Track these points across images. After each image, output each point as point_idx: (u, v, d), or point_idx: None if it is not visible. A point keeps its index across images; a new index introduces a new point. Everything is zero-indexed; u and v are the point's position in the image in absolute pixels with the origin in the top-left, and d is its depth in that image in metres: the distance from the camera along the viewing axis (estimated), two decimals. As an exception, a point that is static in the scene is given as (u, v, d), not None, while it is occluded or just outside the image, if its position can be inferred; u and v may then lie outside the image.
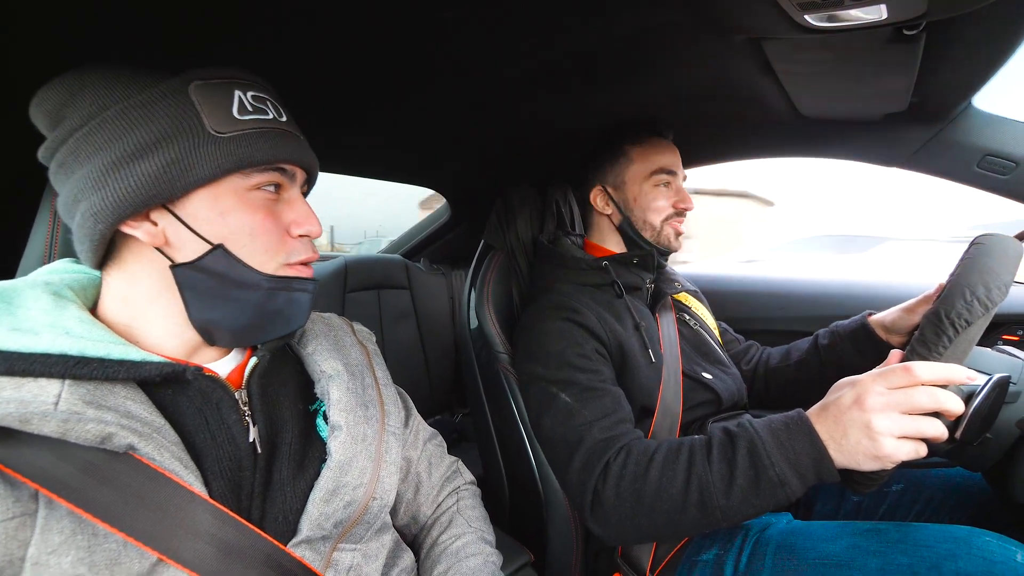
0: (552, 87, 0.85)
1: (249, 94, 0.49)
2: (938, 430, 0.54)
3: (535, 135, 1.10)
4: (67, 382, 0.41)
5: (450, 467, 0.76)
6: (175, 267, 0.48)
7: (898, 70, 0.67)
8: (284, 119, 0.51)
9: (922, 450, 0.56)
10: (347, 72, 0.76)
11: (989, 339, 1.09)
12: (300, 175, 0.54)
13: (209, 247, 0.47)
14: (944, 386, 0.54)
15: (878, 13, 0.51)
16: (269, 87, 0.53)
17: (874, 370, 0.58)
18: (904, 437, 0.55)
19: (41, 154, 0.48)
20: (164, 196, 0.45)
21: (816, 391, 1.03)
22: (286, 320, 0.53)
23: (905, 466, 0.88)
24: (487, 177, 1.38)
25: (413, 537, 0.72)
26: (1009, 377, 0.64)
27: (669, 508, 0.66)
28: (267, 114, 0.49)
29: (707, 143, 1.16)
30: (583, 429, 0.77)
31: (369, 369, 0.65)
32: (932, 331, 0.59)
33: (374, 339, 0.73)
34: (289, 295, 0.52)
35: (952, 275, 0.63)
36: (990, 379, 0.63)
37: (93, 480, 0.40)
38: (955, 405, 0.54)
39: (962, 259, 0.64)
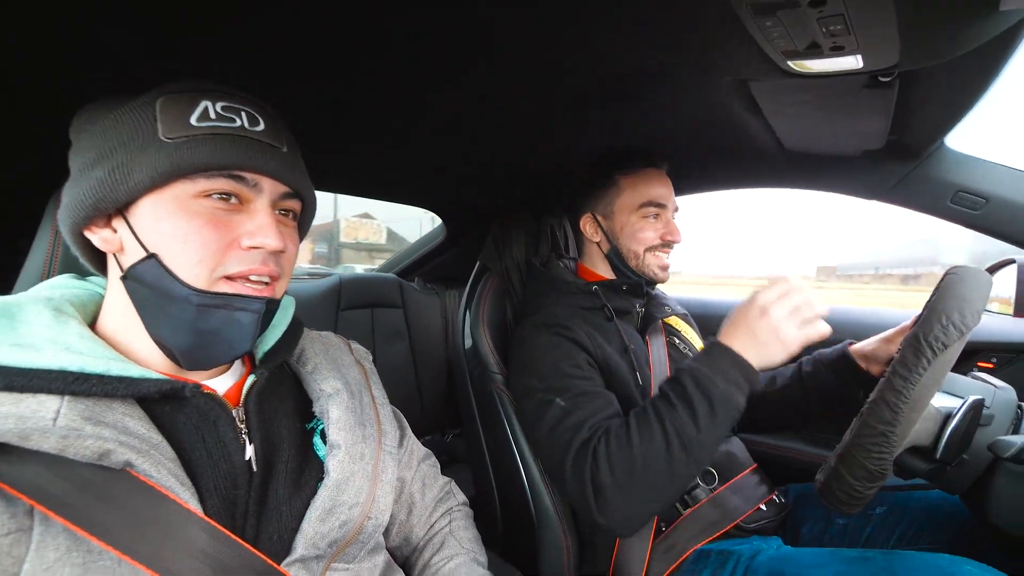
0: (548, 118, 0.89)
1: (220, 104, 0.48)
2: (824, 325, 0.73)
3: (530, 161, 1.13)
4: (66, 398, 0.41)
5: (443, 488, 0.76)
6: (122, 277, 0.49)
7: (875, 111, 0.72)
8: (260, 128, 0.49)
9: (824, 329, 0.73)
10: (347, 94, 0.77)
11: (965, 366, 1.13)
12: (271, 187, 0.50)
13: (144, 255, 0.47)
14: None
15: (855, 62, 0.55)
16: (256, 100, 0.51)
17: (763, 291, 0.75)
18: (801, 329, 0.72)
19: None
20: (109, 201, 0.46)
21: (800, 416, 1.07)
22: (227, 342, 0.49)
23: (887, 489, 0.91)
24: (483, 199, 1.40)
25: (405, 559, 0.71)
26: (983, 400, 0.67)
27: (659, 464, 0.72)
28: (233, 122, 0.48)
29: (697, 173, 1.21)
30: (573, 429, 0.79)
31: (367, 388, 0.65)
32: (912, 353, 0.62)
33: (371, 358, 0.73)
34: (227, 314, 0.48)
35: (929, 302, 0.66)
36: (965, 402, 0.66)
37: (90, 497, 0.40)
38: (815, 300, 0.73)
39: (938, 288, 0.67)
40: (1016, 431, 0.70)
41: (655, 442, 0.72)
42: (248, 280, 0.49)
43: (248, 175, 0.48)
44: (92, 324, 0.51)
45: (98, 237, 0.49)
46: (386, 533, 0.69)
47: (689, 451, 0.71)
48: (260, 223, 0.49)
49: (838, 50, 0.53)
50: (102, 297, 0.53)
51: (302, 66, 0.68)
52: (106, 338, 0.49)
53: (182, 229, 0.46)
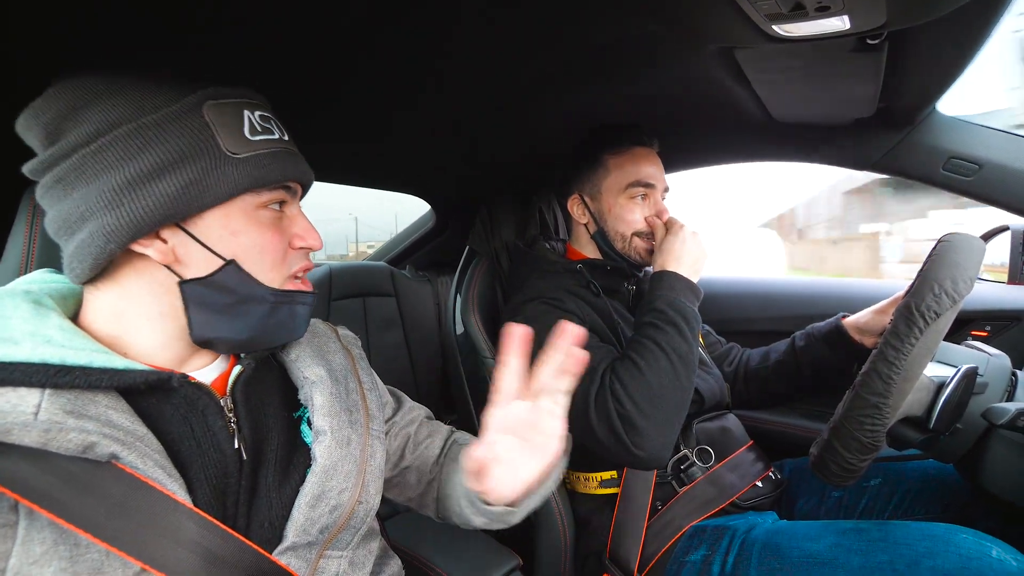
0: (532, 95, 0.87)
1: (257, 114, 0.50)
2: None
3: (517, 143, 1.12)
4: (47, 391, 0.41)
5: (449, 430, 0.77)
6: (184, 283, 0.48)
7: (864, 77, 0.70)
8: (287, 138, 0.53)
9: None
10: (333, 85, 0.76)
11: (959, 335, 1.12)
12: (299, 190, 0.56)
13: (222, 263, 0.48)
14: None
15: (841, 23, 0.53)
16: (269, 106, 0.54)
17: (671, 228, 0.92)
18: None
19: (32, 168, 0.47)
20: (181, 215, 0.46)
21: (795, 391, 1.07)
22: (288, 331, 0.55)
23: (881, 460, 0.91)
24: (471, 184, 1.39)
25: (422, 492, 0.71)
26: (976, 368, 0.67)
27: (670, 383, 0.79)
28: (274, 134, 0.51)
29: (686, 149, 1.19)
30: (586, 379, 0.80)
31: (353, 374, 0.65)
32: (904, 323, 0.61)
33: (359, 343, 0.72)
34: (291, 308, 0.54)
35: (921, 271, 0.65)
36: (958, 370, 0.65)
37: (75, 490, 0.39)
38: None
39: (929, 256, 0.66)
40: (1010, 398, 0.69)
41: (661, 364, 0.79)
42: (299, 277, 0.55)
43: (293, 184, 0.53)
44: (74, 317, 0.50)
45: (154, 249, 0.47)
46: (405, 486, 0.71)
47: (688, 365, 0.81)
48: (304, 226, 0.55)
49: (824, 10, 0.51)
50: (82, 289, 0.51)
51: (293, 60, 0.68)
52: (91, 332, 0.48)
53: (258, 240, 0.50)
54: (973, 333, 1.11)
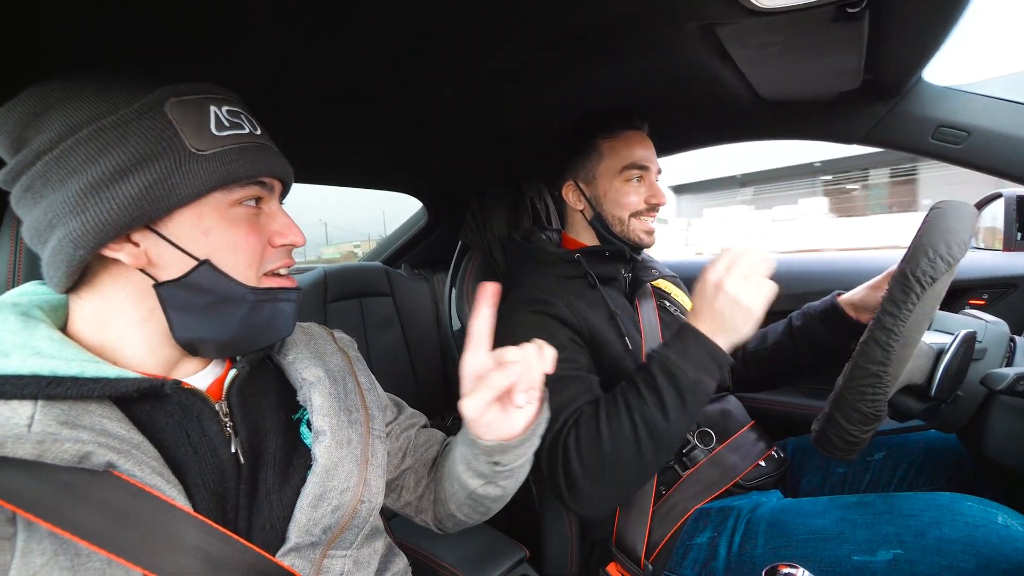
0: (518, 83, 0.86)
1: (224, 109, 0.49)
2: (771, 284, 0.70)
3: (506, 133, 1.11)
4: (40, 403, 0.41)
5: (444, 436, 0.77)
6: (159, 285, 0.47)
7: (846, 48, 0.69)
8: (259, 132, 0.51)
9: (771, 286, 0.70)
10: (314, 81, 0.75)
11: (956, 304, 1.12)
12: (278, 186, 0.54)
13: (195, 263, 0.47)
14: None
15: (819, -8, 0.52)
16: (240, 100, 0.52)
17: (711, 267, 0.71)
18: (757, 294, 0.69)
19: (3, 178, 0.46)
20: (148, 217, 0.45)
21: (794, 371, 1.06)
22: (275, 330, 0.54)
23: (883, 433, 0.91)
24: (462, 178, 1.38)
25: (420, 495, 0.71)
26: (975, 333, 0.66)
27: (628, 453, 0.71)
28: (243, 129, 0.49)
29: (676, 131, 1.18)
30: (552, 413, 0.77)
31: (351, 375, 0.65)
32: (900, 290, 0.61)
33: (355, 346, 0.72)
34: (275, 306, 0.52)
35: (914, 238, 0.65)
36: (957, 336, 0.65)
37: (73, 500, 0.39)
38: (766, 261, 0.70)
39: (923, 223, 0.66)
40: (1009, 363, 0.69)
41: (624, 434, 0.71)
42: (279, 274, 0.54)
43: (268, 180, 0.51)
44: (64, 328, 0.49)
45: (125, 254, 0.46)
46: (403, 489, 0.70)
47: (658, 442, 0.71)
48: (285, 222, 0.53)
49: (800, -21, 0.50)
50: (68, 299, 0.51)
51: (275, 62, 0.68)
52: (79, 342, 0.48)
53: (231, 238, 0.48)
54: (971, 302, 1.11)
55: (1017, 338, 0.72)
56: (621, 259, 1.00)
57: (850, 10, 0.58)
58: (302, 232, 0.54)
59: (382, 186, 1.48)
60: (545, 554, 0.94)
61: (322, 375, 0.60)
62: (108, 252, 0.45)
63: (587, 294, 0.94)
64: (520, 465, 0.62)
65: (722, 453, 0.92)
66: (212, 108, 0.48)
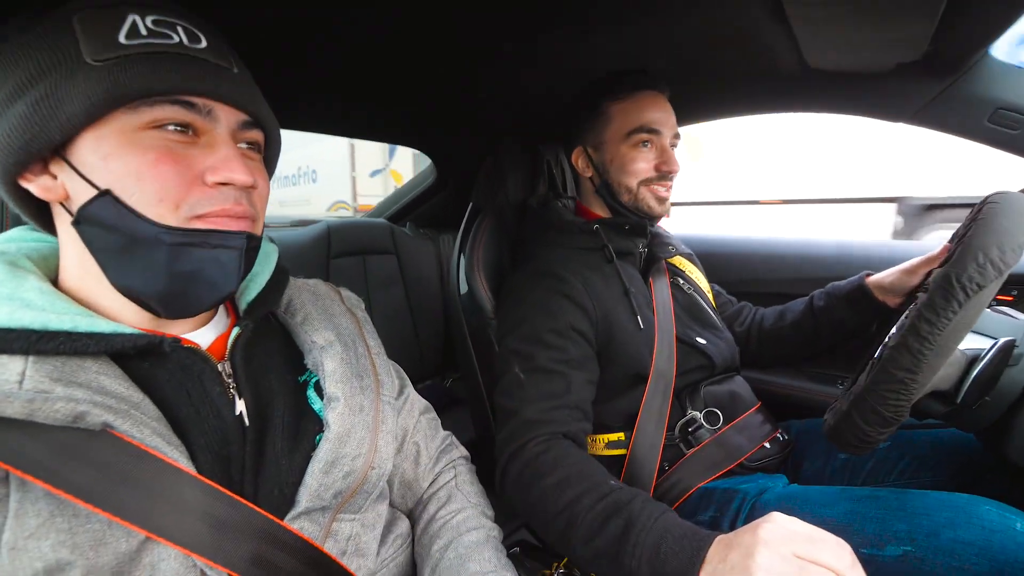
0: (541, 31, 0.79)
1: (150, 18, 0.42)
2: None
3: (524, 90, 1.04)
4: (31, 358, 0.39)
5: (444, 440, 0.76)
6: (75, 223, 0.43)
7: (922, 11, 0.62)
8: (202, 45, 0.43)
9: None
10: (324, 25, 0.69)
11: (982, 300, 1.09)
12: (226, 114, 0.45)
13: (95, 192, 0.41)
14: None
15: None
16: (193, 15, 0.45)
17: (800, 523, 0.49)
18: None
19: None
20: (42, 140, 0.40)
21: (810, 352, 1.05)
22: (209, 283, 0.45)
23: (899, 427, 0.90)
24: (474, 137, 1.31)
25: (408, 511, 0.71)
26: (1014, 341, 0.63)
27: (543, 518, 0.67)
28: (170, 39, 0.42)
29: (706, 97, 1.11)
30: (519, 405, 0.76)
31: (361, 338, 0.63)
32: (942, 296, 0.57)
33: (363, 305, 0.70)
34: (206, 252, 0.44)
35: (963, 237, 0.60)
36: (995, 344, 0.62)
37: (69, 460, 0.37)
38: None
39: (974, 219, 0.61)
40: None
41: (551, 506, 0.65)
42: (228, 216, 0.45)
43: (198, 100, 0.43)
44: (55, 280, 0.46)
45: (36, 186, 0.43)
46: (390, 487, 0.68)
47: (565, 545, 0.64)
48: (223, 155, 0.44)
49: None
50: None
51: (283, 8, 0.62)
52: (70, 294, 0.45)
53: (134, 166, 0.41)
54: (998, 298, 1.07)
55: None
56: (640, 233, 0.95)
57: (939, -33, 0.51)
58: (245, 169, 0.45)
59: (391, 140, 1.41)
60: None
61: (333, 339, 0.58)
62: (24, 183, 0.43)
63: (602, 268, 0.91)
64: None
65: (728, 433, 0.91)
66: (132, 16, 0.41)
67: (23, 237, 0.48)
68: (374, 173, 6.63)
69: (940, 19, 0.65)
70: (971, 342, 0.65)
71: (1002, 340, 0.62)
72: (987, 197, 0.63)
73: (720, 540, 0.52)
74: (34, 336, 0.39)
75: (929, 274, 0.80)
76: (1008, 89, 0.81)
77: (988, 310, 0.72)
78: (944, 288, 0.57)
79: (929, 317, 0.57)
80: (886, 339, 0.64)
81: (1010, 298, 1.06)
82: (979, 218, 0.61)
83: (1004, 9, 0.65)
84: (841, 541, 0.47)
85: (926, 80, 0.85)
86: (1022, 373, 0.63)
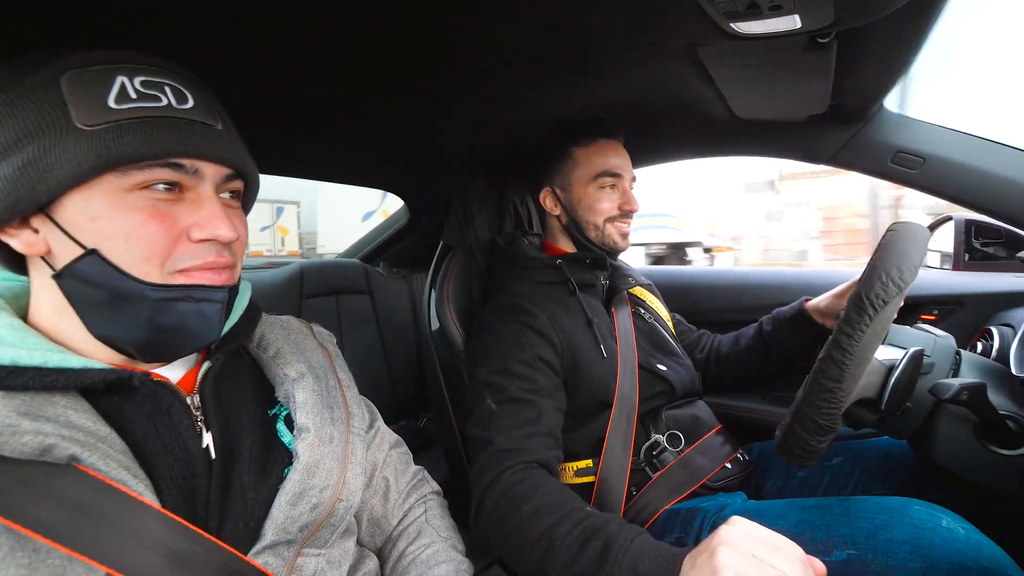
0: (501, 89, 0.87)
1: (138, 80, 0.43)
2: None
3: (489, 135, 1.12)
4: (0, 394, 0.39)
5: (415, 475, 0.75)
6: (55, 276, 0.44)
7: (815, 74, 0.73)
8: (189, 105, 0.45)
9: None
10: (294, 72, 0.75)
11: (910, 319, 1.19)
12: (212, 171, 0.47)
13: (81, 252, 0.42)
14: None
15: (793, 23, 0.56)
16: (179, 70, 0.46)
17: (759, 528, 0.52)
18: None
19: None
20: (27, 202, 0.41)
21: (763, 373, 1.11)
22: (193, 335, 0.47)
23: (841, 439, 0.96)
24: (444, 179, 1.38)
25: (377, 550, 0.70)
26: (923, 350, 0.71)
27: (520, 547, 0.67)
28: (159, 101, 0.43)
29: (652, 144, 1.22)
30: (493, 434, 0.78)
31: (332, 371, 0.64)
32: (855, 311, 0.64)
33: (334, 340, 0.72)
34: (189, 307, 0.46)
35: (870, 260, 0.69)
36: (906, 353, 0.70)
37: (32, 494, 0.38)
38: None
39: (879, 245, 0.70)
40: (955, 375, 0.74)
41: (529, 535, 0.66)
42: (209, 269, 0.47)
43: (186, 161, 0.44)
44: (25, 316, 0.47)
45: (17, 241, 0.44)
46: (358, 524, 0.68)
47: (544, 568, 0.64)
48: (208, 213, 0.46)
49: (776, 10, 0.54)
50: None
51: (252, 47, 0.65)
52: (41, 330, 0.46)
53: (124, 227, 0.42)
54: (923, 317, 1.18)
55: (962, 352, 0.77)
56: (599, 266, 1.02)
57: (820, 40, 0.62)
58: (230, 225, 0.46)
59: (364, 183, 1.47)
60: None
61: (305, 371, 0.59)
62: (3, 237, 0.44)
63: (566, 300, 0.96)
64: None
65: (690, 455, 0.95)
66: (120, 79, 0.42)
67: None
68: (263, 228, 8.59)
69: (834, 79, 0.77)
70: (890, 353, 0.73)
71: (912, 349, 0.69)
72: (890, 226, 0.72)
73: (691, 552, 0.55)
74: (3, 372, 0.39)
75: None
76: (904, 135, 0.94)
77: (909, 327, 0.81)
78: (857, 304, 0.65)
79: (847, 330, 0.64)
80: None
81: (932, 316, 1.17)
82: (882, 243, 0.70)
83: (886, 70, 0.77)
84: (794, 545, 0.51)
85: (835, 129, 0.98)
86: (934, 380, 0.71)
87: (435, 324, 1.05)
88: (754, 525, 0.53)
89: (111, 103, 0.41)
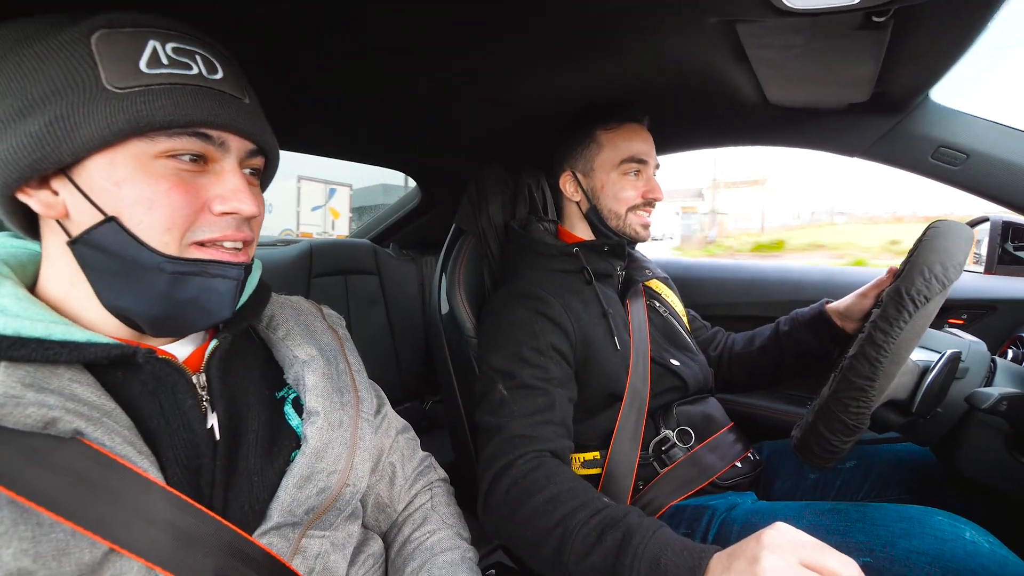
0: (524, 67, 0.83)
1: (170, 46, 0.42)
2: None
3: (507, 117, 1.08)
4: (3, 364, 0.38)
5: (423, 461, 0.75)
6: (71, 243, 0.43)
7: (864, 57, 0.68)
8: (219, 76, 0.44)
9: None
10: (313, 50, 0.72)
11: (937, 323, 1.15)
12: (238, 144, 0.46)
13: (101, 218, 0.42)
14: None
15: (850, -4, 0.51)
16: (209, 41, 0.46)
17: (803, 533, 0.50)
18: None
19: None
20: (51, 160, 0.40)
21: (778, 375, 1.08)
22: (205, 311, 0.47)
23: (858, 443, 0.93)
24: (459, 161, 1.35)
25: (383, 534, 0.70)
26: (960, 353, 0.68)
27: (532, 537, 0.65)
28: (190, 69, 0.42)
29: (677, 129, 1.17)
30: (505, 421, 0.76)
31: (342, 355, 0.63)
32: (894, 307, 0.61)
33: (344, 323, 0.71)
34: (204, 281, 0.46)
35: (910, 257, 0.65)
36: (943, 355, 0.66)
37: (36, 467, 0.37)
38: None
39: (919, 241, 0.66)
40: (989, 383, 0.71)
41: (542, 525, 0.64)
42: (221, 246, 0.47)
43: (214, 132, 0.44)
44: (33, 286, 0.46)
45: (36, 201, 0.43)
46: (363, 507, 0.68)
47: (558, 565, 0.62)
48: (232, 186, 0.46)
49: (834, -19, 0.49)
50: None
51: (274, 23, 0.63)
52: (49, 302, 0.45)
53: (147, 194, 0.42)
54: (950, 321, 1.14)
55: (998, 359, 0.74)
56: (617, 255, 0.99)
57: (876, 19, 0.57)
58: (253, 200, 0.46)
59: (378, 162, 1.44)
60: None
61: (316, 354, 0.58)
62: (21, 197, 0.43)
63: (582, 290, 0.94)
64: None
65: (700, 452, 0.93)
66: (153, 43, 0.41)
67: (2, 244, 0.48)
68: (315, 208, 8.99)
69: (883, 64, 0.72)
70: (924, 356, 0.69)
71: (949, 351, 0.66)
72: (930, 224, 0.68)
73: (720, 553, 0.52)
74: (6, 342, 0.39)
75: (880, 295, 0.85)
76: (948, 129, 0.89)
77: (937, 330, 0.77)
78: (896, 300, 0.62)
79: (883, 327, 0.61)
80: (847, 354, 0.68)
81: (961, 321, 1.13)
82: (923, 240, 0.66)
83: (938, 58, 0.72)
84: (846, 556, 0.47)
85: (875, 118, 0.92)
86: (968, 386, 0.68)
87: (445, 308, 1.03)
88: (799, 531, 0.50)
89: (143, 67, 0.41)
